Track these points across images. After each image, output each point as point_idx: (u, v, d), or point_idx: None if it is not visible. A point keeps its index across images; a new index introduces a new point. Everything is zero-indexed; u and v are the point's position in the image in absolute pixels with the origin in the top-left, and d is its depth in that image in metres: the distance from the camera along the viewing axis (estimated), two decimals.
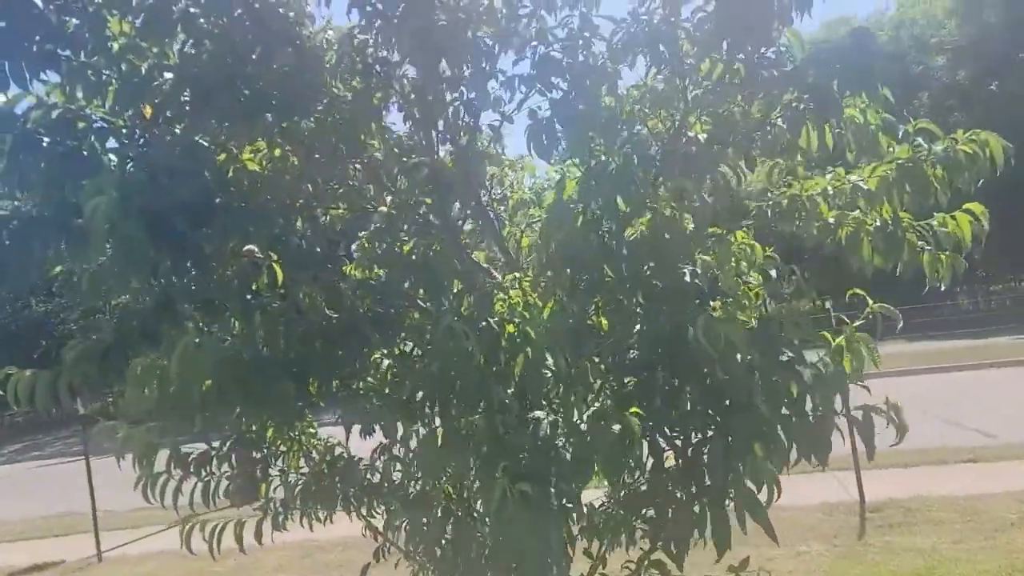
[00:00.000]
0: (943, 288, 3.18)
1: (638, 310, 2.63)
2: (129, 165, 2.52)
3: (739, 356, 2.02)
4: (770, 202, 3.17)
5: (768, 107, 2.62)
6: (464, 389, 2.09)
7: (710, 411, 2.23)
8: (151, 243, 1.93)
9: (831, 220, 3.11)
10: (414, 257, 2.53)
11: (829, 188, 3.07)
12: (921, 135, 2.95)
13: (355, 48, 3.01)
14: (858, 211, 3.09)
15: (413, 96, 3.11)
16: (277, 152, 2.92)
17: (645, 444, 2.26)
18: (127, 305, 2.90)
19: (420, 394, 2.75)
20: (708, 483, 2.16)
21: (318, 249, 2.79)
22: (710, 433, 2.21)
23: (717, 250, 2.95)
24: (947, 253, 3.11)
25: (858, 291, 2.25)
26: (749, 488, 2.01)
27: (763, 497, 2.11)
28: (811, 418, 2.09)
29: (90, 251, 1.91)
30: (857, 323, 2.13)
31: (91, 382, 2.66)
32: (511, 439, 1.98)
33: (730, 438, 2.06)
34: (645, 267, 2.44)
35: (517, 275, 2.95)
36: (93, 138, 2.62)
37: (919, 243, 3.10)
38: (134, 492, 2.84)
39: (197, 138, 2.37)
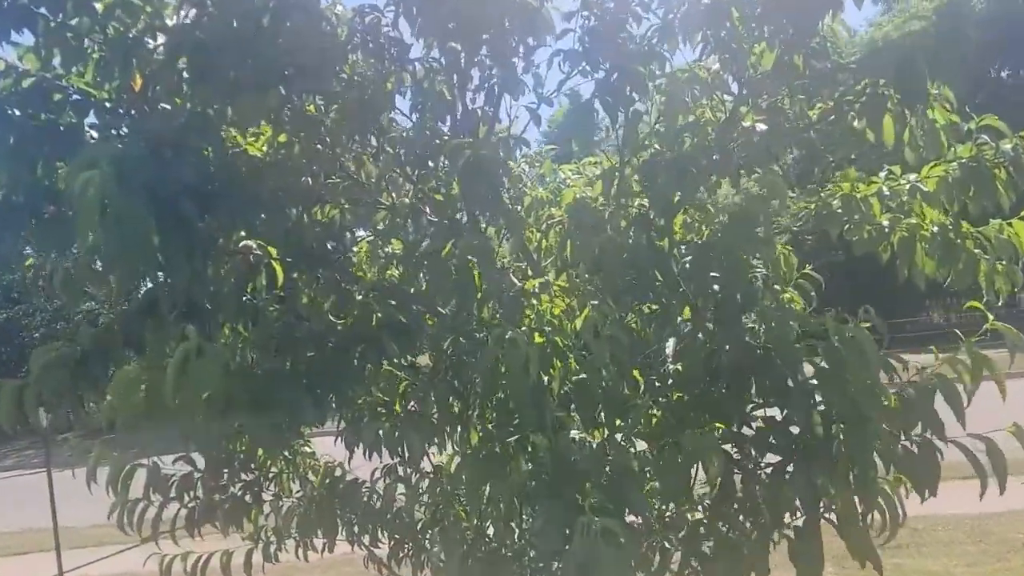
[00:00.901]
0: (1000, 302, 2.97)
1: (685, 316, 2.36)
2: (115, 142, 2.20)
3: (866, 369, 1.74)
4: (819, 202, 2.92)
5: (840, 97, 2.36)
6: (517, 404, 1.78)
7: (792, 428, 1.96)
8: (156, 227, 1.59)
9: (885, 224, 2.87)
10: (449, 258, 2.20)
11: (885, 189, 2.83)
12: (986, 133, 2.73)
13: (366, 27, 2.73)
14: (914, 216, 2.86)
15: (426, 85, 2.82)
16: (282, 137, 2.60)
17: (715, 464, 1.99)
18: (104, 307, 2.56)
19: (443, 410, 2.46)
20: (800, 511, 1.89)
21: (329, 246, 2.46)
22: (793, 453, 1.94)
23: (763, 253, 2.70)
24: (1003, 263, 2.91)
25: (977, 305, 2.00)
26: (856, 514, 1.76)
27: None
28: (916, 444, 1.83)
29: (80, 236, 1.55)
30: (975, 339, 1.87)
31: (64, 394, 2.31)
32: (582, 464, 1.68)
33: (836, 459, 1.79)
34: (708, 271, 2.17)
35: (547, 279, 2.66)
36: (71, 111, 2.28)
37: (975, 251, 2.89)
38: (94, 508, 2.48)
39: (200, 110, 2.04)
